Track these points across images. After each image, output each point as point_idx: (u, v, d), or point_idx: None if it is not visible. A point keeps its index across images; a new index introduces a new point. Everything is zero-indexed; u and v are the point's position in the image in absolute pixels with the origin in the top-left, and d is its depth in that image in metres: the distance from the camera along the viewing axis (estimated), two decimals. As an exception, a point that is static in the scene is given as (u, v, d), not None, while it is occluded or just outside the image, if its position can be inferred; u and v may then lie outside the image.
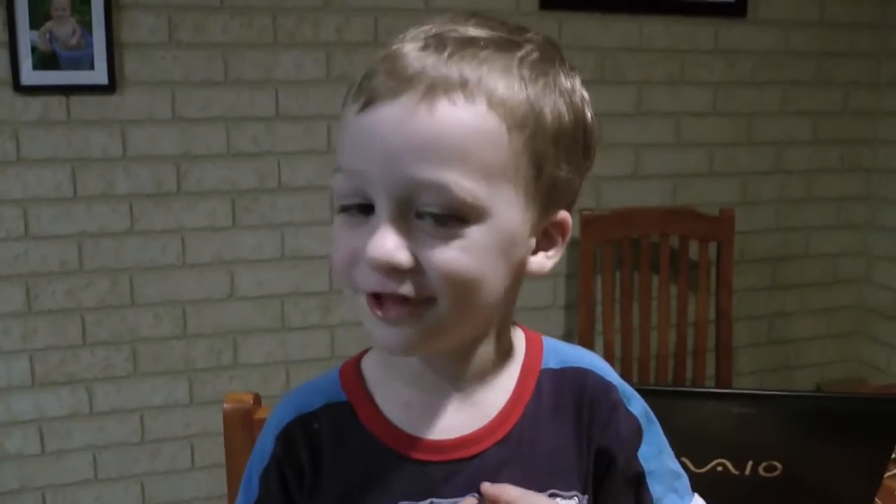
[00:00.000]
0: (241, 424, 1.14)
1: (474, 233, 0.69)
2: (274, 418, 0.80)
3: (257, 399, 1.19)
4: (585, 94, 0.77)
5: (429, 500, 0.75)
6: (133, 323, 2.41)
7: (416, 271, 0.68)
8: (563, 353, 0.84)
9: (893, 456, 1.60)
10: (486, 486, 0.75)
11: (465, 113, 0.67)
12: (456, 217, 0.68)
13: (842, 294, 3.19)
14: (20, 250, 2.29)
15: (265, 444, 0.80)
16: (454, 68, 0.68)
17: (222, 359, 2.49)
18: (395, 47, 0.71)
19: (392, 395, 0.79)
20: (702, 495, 1.31)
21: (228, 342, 2.49)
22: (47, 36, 2.19)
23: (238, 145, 2.42)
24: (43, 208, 2.29)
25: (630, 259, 2.68)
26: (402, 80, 0.68)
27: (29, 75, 2.19)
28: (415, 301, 0.69)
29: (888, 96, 3.06)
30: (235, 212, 2.45)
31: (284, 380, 2.49)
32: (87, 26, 2.22)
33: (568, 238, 0.78)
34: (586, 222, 2.61)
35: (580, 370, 0.83)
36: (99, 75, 2.25)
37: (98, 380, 2.40)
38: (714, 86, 2.87)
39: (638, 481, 0.83)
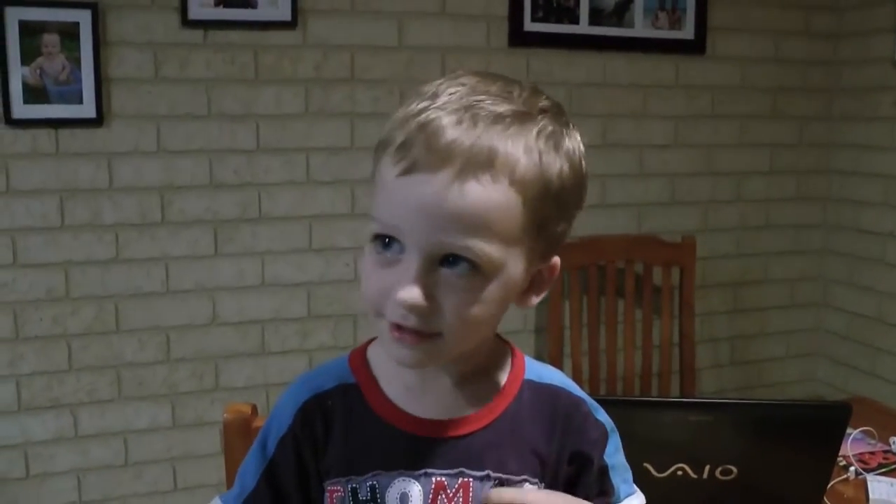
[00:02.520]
0: (240, 433, 1.23)
1: (488, 286, 0.81)
2: (292, 395, 0.93)
3: (254, 409, 1.28)
4: (582, 148, 0.88)
5: (423, 470, 0.88)
6: (118, 349, 2.48)
7: (434, 311, 0.81)
8: (541, 371, 0.98)
9: (842, 463, 1.71)
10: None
11: (491, 191, 0.78)
12: (475, 271, 0.80)
13: (800, 317, 3.31)
14: (8, 278, 2.36)
15: (283, 415, 0.92)
16: (485, 146, 0.78)
17: (204, 383, 2.56)
18: (429, 114, 0.80)
19: (395, 378, 0.92)
20: (663, 498, 1.42)
21: (210, 366, 2.56)
22: (38, 71, 2.28)
23: (220, 177, 2.51)
24: (31, 237, 2.37)
25: (597, 285, 2.79)
26: (437, 155, 0.78)
27: (20, 109, 2.28)
28: (427, 334, 0.82)
29: (841, 129, 3.20)
30: (217, 241, 2.53)
31: (265, 402, 2.57)
32: (76, 62, 2.31)
33: (556, 276, 0.91)
34: (555, 249, 2.71)
35: (555, 388, 0.97)
36: (87, 109, 2.33)
37: (83, 404, 2.47)
38: (675, 119, 3.01)
39: (603, 474, 0.97)
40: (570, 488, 0.96)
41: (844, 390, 3.20)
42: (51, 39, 2.28)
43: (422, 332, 0.82)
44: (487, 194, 0.78)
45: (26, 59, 2.27)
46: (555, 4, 2.76)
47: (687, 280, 2.84)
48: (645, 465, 1.40)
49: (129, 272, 2.46)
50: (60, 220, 2.39)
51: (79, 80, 2.32)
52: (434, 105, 0.81)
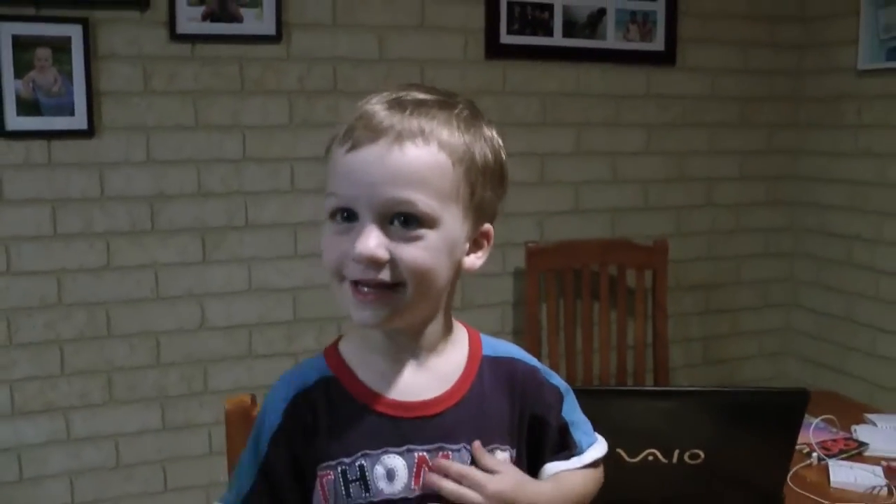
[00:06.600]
0: (241, 421, 1.31)
1: (431, 236, 0.94)
2: (280, 392, 1.02)
3: (253, 400, 1.35)
4: (500, 141, 1.04)
5: (406, 447, 0.99)
6: (109, 353, 2.54)
7: (391, 263, 0.93)
8: (496, 346, 1.10)
9: (806, 450, 1.80)
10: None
11: (424, 152, 0.93)
12: (419, 223, 0.93)
13: (771, 317, 3.42)
14: (2, 286, 2.42)
15: (272, 414, 1.01)
16: (414, 122, 0.94)
17: (193, 386, 2.63)
18: (366, 108, 0.96)
19: (368, 367, 1.02)
20: (636, 481, 1.52)
21: (199, 370, 2.64)
22: (30, 84, 2.35)
23: (208, 186, 2.59)
24: (24, 246, 2.43)
25: (572, 287, 2.88)
26: (377, 131, 0.93)
27: (13, 121, 2.35)
28: (389, 284, 0.94)
29: (808, 136, 3.32)
30: (205, 248, 2.61)
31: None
32: (67, 75, 2.38)
33: (492, 243, 1.04)
34: (531, 254, 2.81)
35: (511, 360, 1.10)
36: (79, 121, 2.41)
37: (75, 408, 2.53)
38: (647, 127, 3.11)
39: (564, 431, 1.10)
40: (534, 449, 1.08)
41: (815, 387, 3.28)
42: (43, 53, 2.35)
43: (383, 284, 0.93)
44: (420, 153, 0.93)
45: (19, 72, 2.34)
46: (530, 17, 2.86)
47: (660, 282, 2.93)
48: (618, 450, 1.48)
49: (120, 279, 2.53)
50: (53, 229, 2.45)
51: (70, 93, 2.39)
52: (367, 103, 0.97)
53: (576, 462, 1.10)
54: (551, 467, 1.09)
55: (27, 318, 2.46)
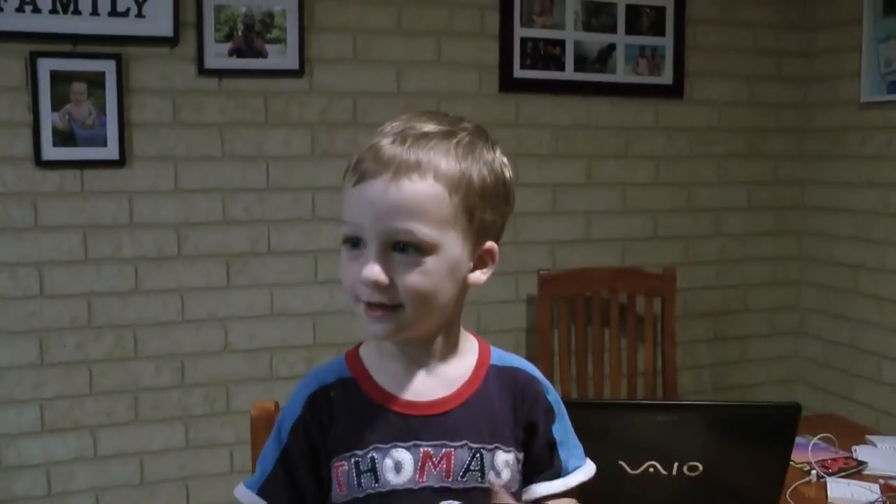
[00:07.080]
0: (265, 426, 1.40)
1: (430, 261, 1.03)
2: (302, 389, 1.12)
3: (277, 406, 1.44)
4: (504, 160, 1.11)
5: (413, 442, 1.08)
6: (135, 374, 2.64)
7: (392, 287, 1.02)
8: (505, 357, 1.19)
9: (806, 468, 1.87)
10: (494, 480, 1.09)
11: (421, 185, 1.01)
12: (418, 250, 1.02)
13: (779, 345, 3.48)
14: (35, 307, 2.53)
15: (294, 407, 1.11)
16: (412, 155, 1.02)
17: (216, 406, 2.72)
18: (375, 140, 1.05)
19: (383, 370, 1.12)
20: (638, 493, 1.57)
21: (222, 391, 2.73)
22: (66, 117, 2.47)
23: (232, 214, 2.70)
24: (56, 270, 2.54)
25: (583, 314, 2.95)
26: (379, 165, 1.02)
27: (49, 151, 2.47)
28: (390, 306, 1.03)
29: (813, 167, 3.40)
30: (229, 273, 2.71)
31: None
32: (101, 108, 2.50)
33: (496, 260, 1.12)
34: (543, 282, 2.89)
35: (515, 370, 1.18)
36: (111, 151, 2.53)
37: (102, 426, 2.62)
38: (656, 159, 3.20)
39: (552, 448, 1.17)
40: (524, 458, 1.15)
41: (822, 414, 3.33)
42: (79, 87, 2.48)
43: (386, 305, 1.03)
44: (417, 187, 1.01)
45: (56, 105, 2.46)
46: (542, 53, 2.97)
47: (668, 309, 3.00)
48: (620, 462, 1.55)
49: (147, 302, 2.63)
50: (84, 254, 2.56)
51: (104, 125, 2.51)
52: (379, 134, 1.06)
53: (560, 485, 1.16)
54: (538, 489, 1.16)
55: (58, 338, 2.56)
